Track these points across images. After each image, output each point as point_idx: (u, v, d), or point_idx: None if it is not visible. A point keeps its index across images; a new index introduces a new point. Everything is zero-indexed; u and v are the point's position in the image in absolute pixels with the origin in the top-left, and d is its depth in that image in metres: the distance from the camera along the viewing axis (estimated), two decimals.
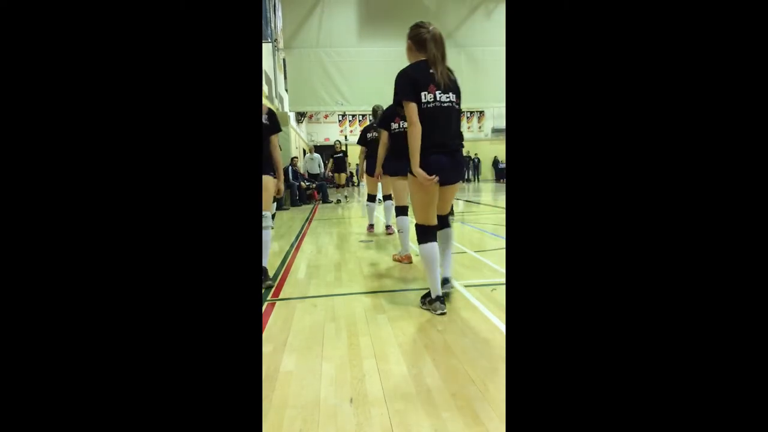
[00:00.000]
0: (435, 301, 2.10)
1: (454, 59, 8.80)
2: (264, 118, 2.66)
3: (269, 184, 2.69)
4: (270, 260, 3.64)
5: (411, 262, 3.26)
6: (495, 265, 3.11)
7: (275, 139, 2.76)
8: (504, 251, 3.36)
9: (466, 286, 2.60)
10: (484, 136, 19.48)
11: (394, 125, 3.32)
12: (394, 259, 3.36)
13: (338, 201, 9.03)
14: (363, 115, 19.55)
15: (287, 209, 8.27)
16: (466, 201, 8.86)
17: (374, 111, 4.46)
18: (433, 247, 2.08)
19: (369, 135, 4.50)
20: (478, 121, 19.75)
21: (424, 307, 2.17)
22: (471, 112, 19.01)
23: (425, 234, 2.10)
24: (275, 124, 2.76)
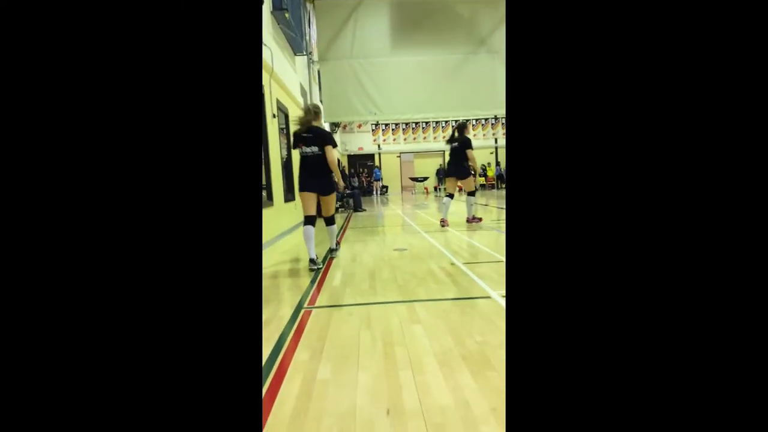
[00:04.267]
0: (310, 262, 3.61)
1: (488, 65, 8.69)
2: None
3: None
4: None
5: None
6: None
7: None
8: None
9: (503, 296, 2.54)
10: None
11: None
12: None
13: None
14: (396, 125, 19.60)
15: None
16: (499, 208, 8.72)
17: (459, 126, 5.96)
18: (309, 229, 3.70)
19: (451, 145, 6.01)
20: (503, 128, 19.46)
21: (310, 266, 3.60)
22: (495, 118, 18.65)
23: (307, 221, 3.75)
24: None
